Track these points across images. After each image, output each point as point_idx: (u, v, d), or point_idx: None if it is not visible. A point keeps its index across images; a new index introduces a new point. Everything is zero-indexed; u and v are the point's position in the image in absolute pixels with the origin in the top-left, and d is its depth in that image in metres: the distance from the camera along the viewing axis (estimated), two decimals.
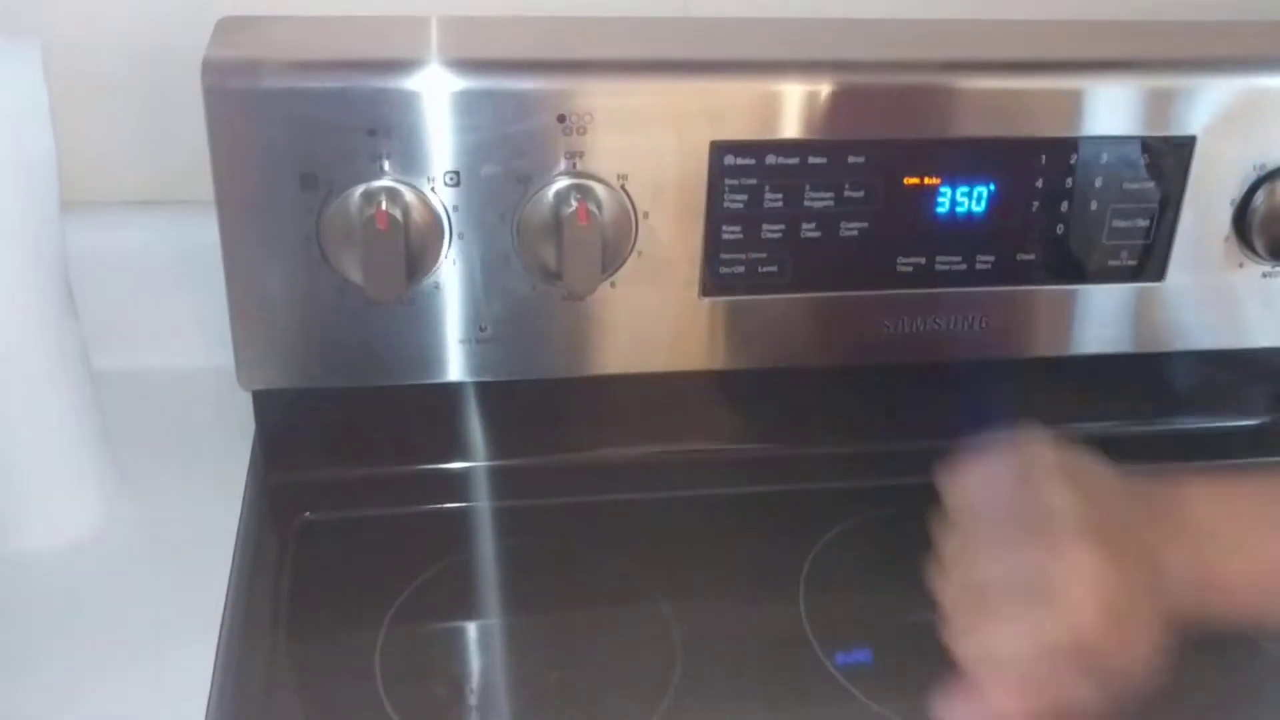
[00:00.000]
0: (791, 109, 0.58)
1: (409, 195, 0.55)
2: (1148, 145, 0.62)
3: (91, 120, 0.67)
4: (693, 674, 0.57)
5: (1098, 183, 0.62)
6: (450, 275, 0.58)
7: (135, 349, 0.69)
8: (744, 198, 0.59)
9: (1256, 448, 0.76)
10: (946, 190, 0.61)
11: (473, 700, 0.56)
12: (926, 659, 0.60)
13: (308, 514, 0.65)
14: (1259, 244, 0.64)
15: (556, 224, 0.56)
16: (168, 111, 0.66)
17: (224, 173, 0.55)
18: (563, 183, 0.56)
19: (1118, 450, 0.74)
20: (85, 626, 0.55)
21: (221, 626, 0.55)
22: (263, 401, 0.65)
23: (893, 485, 0.70)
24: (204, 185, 0.56)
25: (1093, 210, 0.62)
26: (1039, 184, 0.61)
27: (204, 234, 0.57)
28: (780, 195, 0.59)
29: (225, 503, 0.62)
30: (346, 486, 0.66)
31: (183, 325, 0.70)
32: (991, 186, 0.61)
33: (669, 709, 0.55)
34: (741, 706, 0.56)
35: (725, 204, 0.59)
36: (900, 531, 0.67)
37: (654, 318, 0.61)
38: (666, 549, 0.64)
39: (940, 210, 0.61)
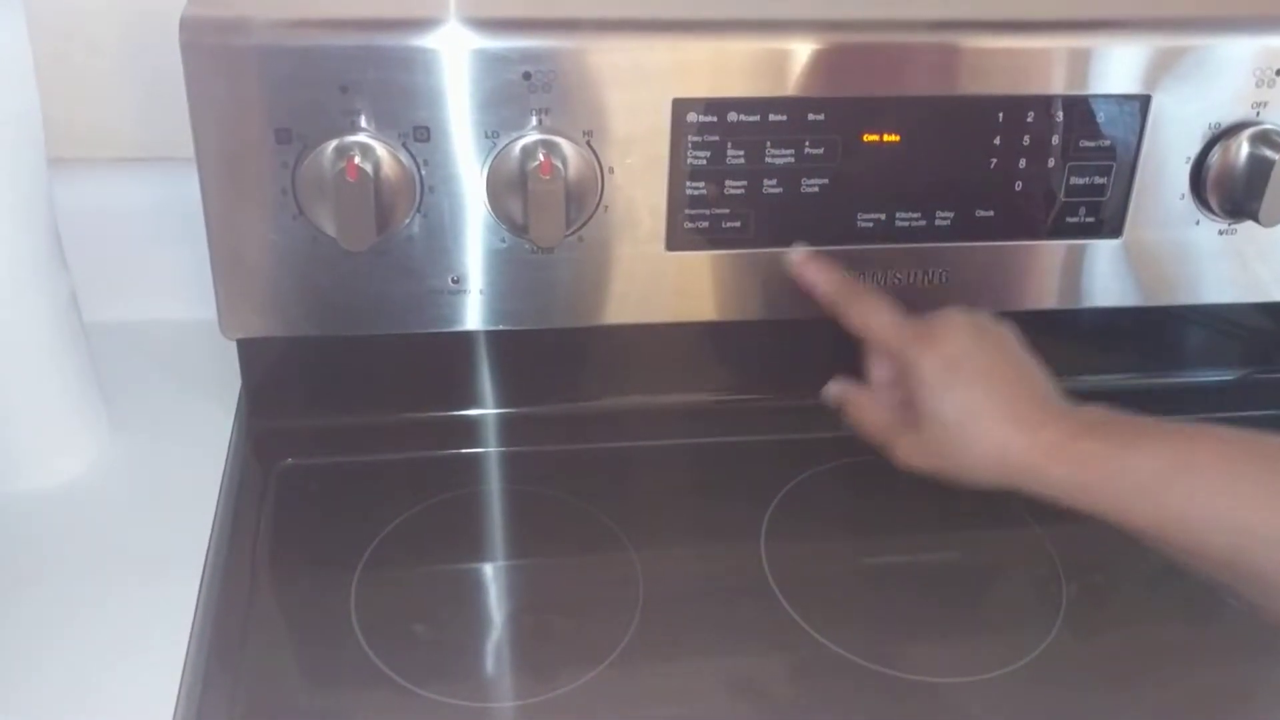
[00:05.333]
0: (752, 67, 0.59)
1: (380, 150, 0.57)
2: (1104, 103, 0.62)
3: (80, 79, 0.68)
4: (653, 614, 0.59)
5: (1054, 140, 0.63)
6: (422, 228, 0.60)
7: (125, 302, 0.71)
8: (706, 154, 0.60)
9: (1224, 404, 0.77)
10: (905, 148, 0.62)
11: (441, 636, 0.58)
12: (888, 602, 0.62)
13: (290, 460, 0.67)
14: (1214, 202, 0.65)
15: (522, 178, 0.57)
16: (155, 70, 0.67)
17: (202, 128, 0.56)
18: (530, 138, 0.58)
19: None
20: (76, 562, 0.57)
21: (205, 563, 0.57)
22: (248, 351, 0.67)
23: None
24: (190, 142, 0.57)
25: (1050, 167, 0.63)
26: (996, 141, 0.62)
27: (191, 189, 0.59)
28: (742, 152, 0.60)
29: (211, 448, 0.65)
30: (327, 433, 0.68)
31: (172, 278, 0.72)
32: (950, 144, 0.62)
33: (628, 646, 0.57)
34: (698, 639, 0.58)
35: (688, 160, 0.60)
36: (860, 481, 0.69)
37: (621, 271, 0.63)
38: (633, 495, 0.67)
39: (899, 167, 0.63)
